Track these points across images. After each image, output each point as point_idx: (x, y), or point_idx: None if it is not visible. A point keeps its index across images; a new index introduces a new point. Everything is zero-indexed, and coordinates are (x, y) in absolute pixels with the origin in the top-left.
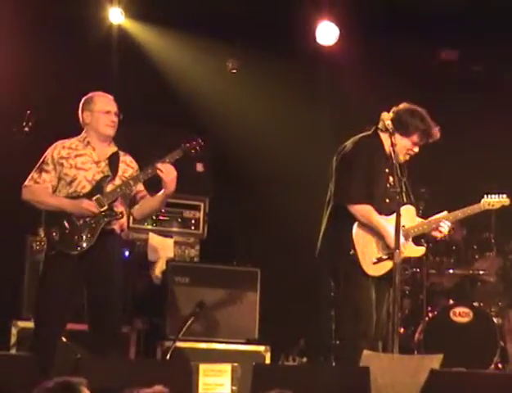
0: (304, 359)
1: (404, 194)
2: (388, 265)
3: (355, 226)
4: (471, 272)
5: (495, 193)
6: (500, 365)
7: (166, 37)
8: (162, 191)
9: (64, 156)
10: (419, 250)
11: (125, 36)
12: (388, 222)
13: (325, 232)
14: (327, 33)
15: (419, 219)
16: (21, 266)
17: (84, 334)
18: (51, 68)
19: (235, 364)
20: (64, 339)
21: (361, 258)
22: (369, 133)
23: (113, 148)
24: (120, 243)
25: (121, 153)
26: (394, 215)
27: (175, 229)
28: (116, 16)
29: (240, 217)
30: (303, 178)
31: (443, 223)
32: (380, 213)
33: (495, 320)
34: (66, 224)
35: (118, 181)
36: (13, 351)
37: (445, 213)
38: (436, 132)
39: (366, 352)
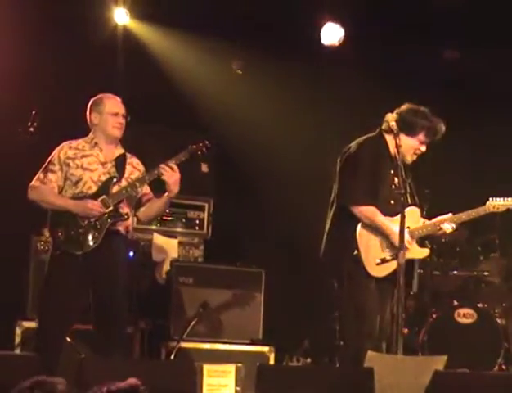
0: (308, 360)
1: (409, 195)
2: (391, 266)
3: (359, 226)
4: (475, 273)
5: (500, 196)
6: (504, 366)
7: (171, 37)
8: (166, 194)
9: (70, 157)
10: (424, 252)
11: (130, 36)
12: (392, 223)
13: (329, 232)
14: (331, 34)
15: (424, 221)
16: (26, 266)
17: (89, 334)
18: (57, 69)
19: (239, 365)
20: (68, 339)
21: (365, 258)
22: (373, 134)
23: (120, 150)
24: (125, 244)
25: (128, 155)
26: (399, 216)
27: (179, 229)
28: (121, 17)
29: (245, 217)
30: (308, 178)
31: (448, 224)
32: (385, 214)
33: (499, 321)
34: (71, 225)
35: (124, 182)
36: (17, 351)
37: (450, 215)
38: (441, 127)
39: (370, 353)
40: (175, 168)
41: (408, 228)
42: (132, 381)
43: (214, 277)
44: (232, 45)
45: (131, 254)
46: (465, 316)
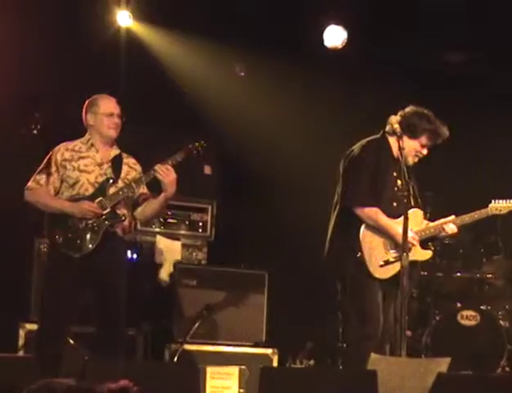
0: (311, 362)
1: (412, 197)
2: (395, 268)
3: (362, 228)
4: (478, 275)
5: (502, 198)
6: (507, 368)
7: (173, 39)
8: (162, 194)
9: (67, 159)
10: (427, 254)
11: (133, 39)
12: (396, 224)
13: (333, 234)
14: (334, 36)
15: (427, 223)
16: (29, 268)
17: (91, 336)
18: (60, 71)
19: (243, 367)
20: (71, 341)
21: (368, 260)
22: (377, 136)
23: (116, 150)
24: (123, 245)
25: (124, 155)
26: (402, 218)
27: (183, 232)
28: (124, 19)
29: (248, 220)
30: (311, 181)
31: (451, 226)
32: (388, 216)
33: (502, 323)
34: (69, 227)
35: (120, 183)
36: (21, 353)
37: (452, 217)
38: (444, 131)
39: (373, 355)
40: (170, 168)
41: (411, 230)
42: (123, 382)
43: (217, 280)
44: (235, 47)
45: (134, 256)
46: (469, 318)
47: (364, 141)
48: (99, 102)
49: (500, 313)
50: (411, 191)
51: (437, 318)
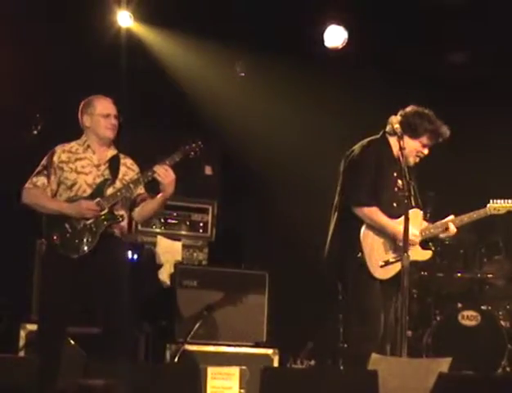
0: (312, 362)
1: (412, 198)
2: (395, 268)
3: (363, 228)
4: (479, 275)
5: (501, 198)
6: (508, 368)
7: (174, 40)
8: (161, 194)
9: (64, 160)
10: (426, 254)
11: (133, 39)
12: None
13: (333, 234)
14: (335, 36)
15: (426, 223)
16: (31, 269)
17: (93, 337)
18: (60, 71)
19: (244, 367)
20: (71, 341)
21: (369, 261)
22: (377, 136)
23: (113, 151)
24: (122, 246)
25: (121, 156)
26: (402, 218)
27: (183, 232)
28: (125, 20)
29: (249, 220)
30: (312, 181)
31: (452, 226)
32: (388, 217)
33: (503, 323)
34: (67, 228)
35: (118, 184)
36: (21, 354)
37: (451, 217)
38: (445, 131)
39: (374, 355)
40: (169, 169)
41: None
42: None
43: (218, 280)
44: (235, 48)
45: (135, 257)
46: (469, 318)
47: (364, 141)
48: (95, 103)
49: (500, 313)
50: (412, 192)
51: (438, 318)
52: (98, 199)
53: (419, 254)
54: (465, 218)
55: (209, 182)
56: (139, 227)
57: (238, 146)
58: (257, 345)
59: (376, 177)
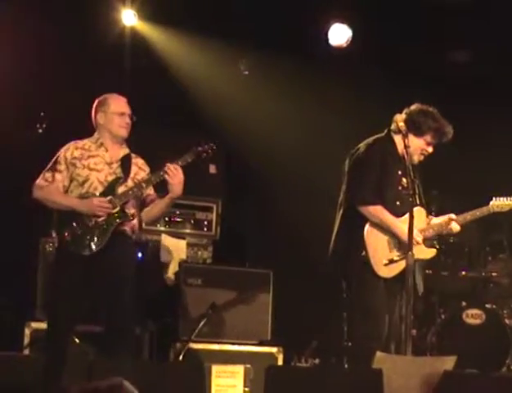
0: (317, 361)
1: (416, 196)
2: (399, 267)
3: (367, 226)
4: (484, 274)
5: (505, 196)
6: None
7: (178, 38)
8: (168, 195)
9: (76, 157)
10: (430, 252)
11: (138, 38)
12: (401, 222)
13: (338, 233)
14: (339, 34)
15: (430, 221)
16: (35, 267)
17: (97, 335)
18: (65, 70)
19: (248, 366)
20: (77, 340)
21: (373, 259)
22: (382, 135)
23: (125, 150)
24: (132, 244)
25: (133, 155)
26: (406, 217)
27: (188, 231)
28: (129, 18)
29: (253, 218)
30: (316, 179)
31: (455, 224)
32: (391, 215)
33: (507, 322)
34: (78, 225)
35: (130, 183)
36: (26, 352)
37: (451, 215)
38: (449, 130)
39: (379, 354)
40: (179, 169)
41: (416, 228)
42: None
43: (223, 278)
44: (239, 46)
45: (140, 255)
46: (474, 317)
47: (370, 139)
48: (110, 101)
49: (505, 311)
50: (416, 190)
51: (443, 316)
52: (110, 197)
53: (423, 252)
54: (468, 216)
55: (214, 180)
56: (143, 225)
57: (242, 144)
58: (261, 344)
59: (381, 175)
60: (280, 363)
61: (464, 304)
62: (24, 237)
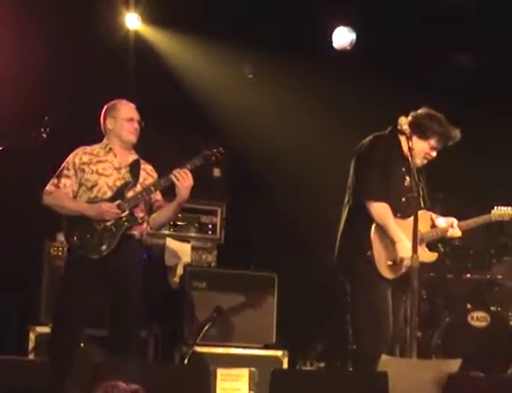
0: (322, 364)
1: (421, 198)
2: (403, 268)
3: (373, 227)
4: (488, 276)
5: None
6: None
7: (182, 42)
8: (176, 199)
9: (85, 162)
10: (433, 256)
11: (142, 41)
12: (403, 226)
13: (343, 233)
14: (343, 37)
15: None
16: (39, 271)
17: (103, 338)
18: (69, 74)
19: (253, 369)
20: (82, 344)
21: (378, 260)
22: (386, 132)
23: (134, 156)
24: (140, 248)
25: (141, 161)
26: (410, 219)
27: (192, 234)
28: (133, 22)
29: (257, 222)
30: (321, 182)
31: (457, 229)
32: (396, 212)
33: None
34: (87, 229)
35: (139, 188)
36: (31, 356)
37: (452, 219)
38: (456, 134)
39: (384, 357)
40: (189, 174)
41: (419, 231)
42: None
43: (227, 282)
44: (243, 49)
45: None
46: (479, 319)
47: (373, 135)
48: (119, 107)
49: (510, 314)
50: (421, 193)
51: (448, 319)
52: (119, 201)
53: (425, 255)
54: (471, 222)
55: (218, 184)
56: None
57: (247, 148)
58: (266, 347)
59: (384, 171)
60: (285, 366)
61: (469, 306)
62: (29, 240)
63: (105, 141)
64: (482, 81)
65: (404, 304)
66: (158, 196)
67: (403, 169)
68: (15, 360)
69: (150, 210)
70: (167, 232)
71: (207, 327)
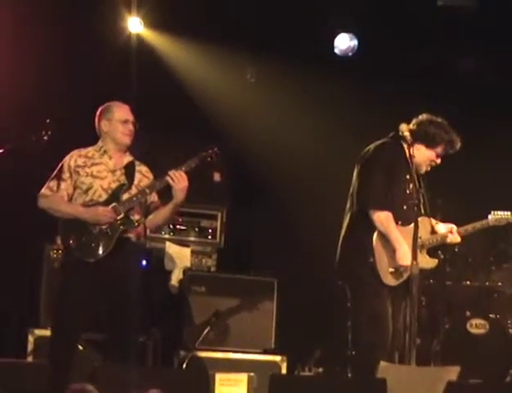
0: (320, 370)
1: (422, 205)
2: (403, 275)
3: (375, 233)
4: (488, 283)
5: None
6: None
7: (184, 46)
8: (172, 201)
9: (80, 165)
10: (432, 262)
11: (144, 45)
12: (404, 233)
13: (345, 238)
14: (345, 43)
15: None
16: (39, 274)
17: (101, 342)
18: (71, 77)
19: (252, 374)
20: (80, 347)
21: (379, 266)
22: (390, 139)
23: (128, 157)
24: (137, 251)
25: (137, 163)
26: (411, 226)
27: (192, 239)
28: (135, 26)
29: (257, 227)
30: (322, 187)
31: (456, 235)
32: (398, 219)
33: (511, 332)
34: (83, 232)
35: (134, 190)
36: (30, 359)
37: (451, 226)
38: (458, 142)
39: (382, 363)
40: (183, 175)
41: (420, 238)
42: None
43: (227, 287)
44: (245, 54)
45: (144, 263)
46: (478, 326)
47: (378, 142)
48: (113, 109)
49: (509, 321)
50: (422, 199)
51: (447, 326)
52: (114, 204)
53: (425, 262)
54: (469, 228)
55: (218, 188)
56: (148, 232)
57: (247, 152)
58: (265, 352)
59: (389, 178)
60: (283, 371)
61: (468, 313)
62: (28, 243)
63: (99, 143)
64: (487, 86)
65: (404, 310)
66: (154, 197)
67: (407, 176)
68: (14, 363)
69: (147, 211)
70: (167, 236)
71: (206, 331)
